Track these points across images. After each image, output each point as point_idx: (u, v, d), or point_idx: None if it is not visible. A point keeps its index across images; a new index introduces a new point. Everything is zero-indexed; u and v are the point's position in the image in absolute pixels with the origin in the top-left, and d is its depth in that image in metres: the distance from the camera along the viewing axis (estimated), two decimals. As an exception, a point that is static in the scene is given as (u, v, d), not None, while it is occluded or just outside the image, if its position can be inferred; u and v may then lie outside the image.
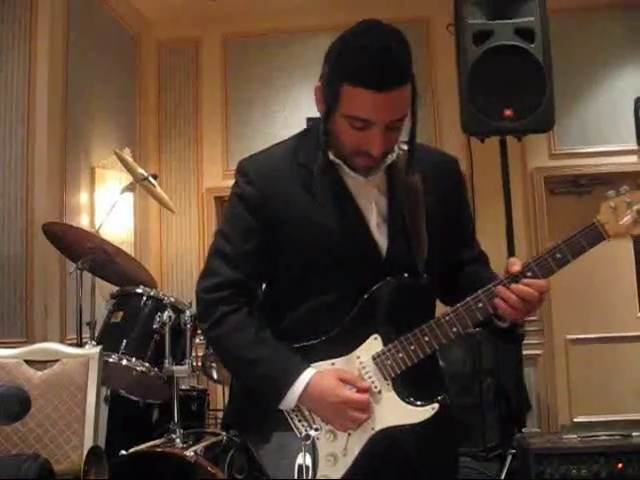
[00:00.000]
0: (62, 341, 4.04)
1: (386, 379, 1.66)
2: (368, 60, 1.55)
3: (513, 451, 3.79)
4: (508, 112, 3.83)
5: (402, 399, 1.65)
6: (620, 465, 3.30)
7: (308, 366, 1.67)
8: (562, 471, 3.34)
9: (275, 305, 1.78)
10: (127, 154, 4.33)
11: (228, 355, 1.77)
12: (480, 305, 1.63)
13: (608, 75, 5.56)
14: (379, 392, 1.66)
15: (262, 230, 1.71)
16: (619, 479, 3.30)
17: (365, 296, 1.67)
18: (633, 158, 5.49)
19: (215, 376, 3.60)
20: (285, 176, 1.72)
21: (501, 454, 4.07)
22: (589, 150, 5.50)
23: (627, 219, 1.58)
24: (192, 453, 2.90)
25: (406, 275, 1.68)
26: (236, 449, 3.12)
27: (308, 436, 1.58)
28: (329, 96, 1.63)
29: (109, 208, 4.33)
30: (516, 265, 1.62)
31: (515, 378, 4.40)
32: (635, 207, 1.58)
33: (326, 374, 1.65)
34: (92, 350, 2.79)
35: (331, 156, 1.69)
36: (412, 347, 1.64)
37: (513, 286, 1.60)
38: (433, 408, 1.63)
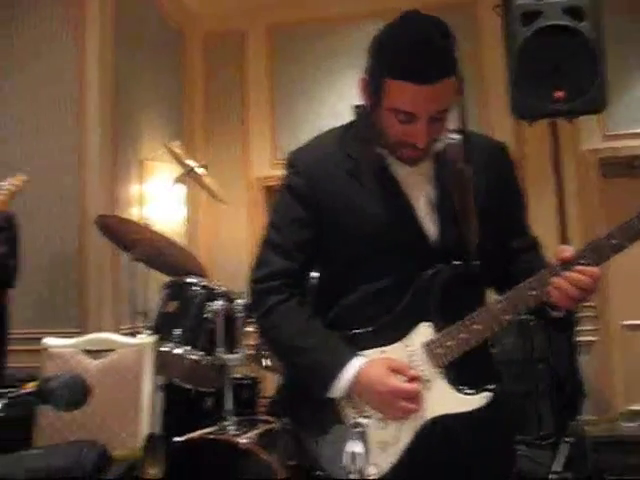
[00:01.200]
0: (116, 331, 4.10)
1: (437, 367, 1.65)
2: (409, 53, 1.56)
3: (569, 439, 3.74)
4: (559, 94, 3.75)
5: (453, 387, 1.64)
6: (680, 452, 3.23)
7: (357, 354, 1.67)
8: (621, 459, 3.28)
9: (325, 293, 1.79)
10: (176, 146, 4.38)
11: (278, 344, 1.79)
12: (533, 293, 1.60)
13: (662, 53, 5.42)
14: (430, 380, 1.65)
15: (311, 220, 1.74)
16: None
17: (416, 284, 1.67)
18: (691, 139, 5.34)
19: (266, 364, 3.61)
20: (333, 166, 1.74)
21: (555, 442, 4.02)
22: (643, 130, 5.37)
23: None
24: (245, 440, 2.92)
25: (457, 262, 1.67)
26: (288, 436, 3.13)
27: (359, 424, 1.58)
28: (373, 90, 1.64)
29: (159, 200, 4.38)
30: (566, 252, 1.60)
31: (569, 365, 4.32)
32: None
33: (375, 363, 1.65)
34: (146, 339, 2.83)
35: (377, 146, 1.71)
36: (463, 335, 1.63)
37: (566, 273, 1.57)
38: (485, 397, 1.61)
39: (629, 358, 5.41)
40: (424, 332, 1.66)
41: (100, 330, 3.84)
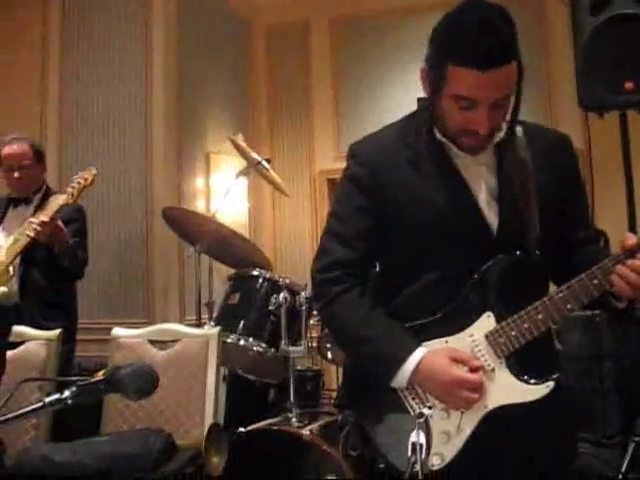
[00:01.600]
0: (181, 322, 4.19)
1: (499, 357, 1.65)
2: (471, 39, 1.56)
3: (637, 439, 3.65)
4: (629, 85, 3.65)
5: (516, 377, 1.64)
6: None
7: (419, 345, 1.68)
8: (691, 460, 3.19)
9: (387, 284, 1.81)
10: (240, 139, 4.42)
11: (341, 334, 1.81)
12: (595, 282, 1.60)
13: None
14: (492, 370, 1.65)
15: (373, 210, 1.76)
16: None
17: (477, 274, 1.67)
18: None
19: (330, 356, 3.64)
20: (394, 157, 1.75)
21: (622, 441, 3.93)
22: None
23: None
24: (308, 432, 2.94)
25: (518, 252, 1.67)
26: (351, 426, 3.14)
27: (422, 414, 1.57)
28: (434, 77, 1.64)
29: (224, 192, 4.44)
30: (631, 239, 1.58)
31: (638, 362, 4.22)
32: None
33: (438, 353, 1.66)
34: (211, 330, 2.87)
35: (438, 135, 1.72)
36: (525, 325, 1.63)
37: (630, 262, 1.56)
38: (548, 386, 1.61)
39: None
40: (486, 322, 1.67)
41: (166, 321, 3.94)
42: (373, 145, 1.82)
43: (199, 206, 5.04)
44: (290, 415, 3.14)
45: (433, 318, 1.71)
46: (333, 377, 4.75)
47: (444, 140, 1.72)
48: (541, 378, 1.63)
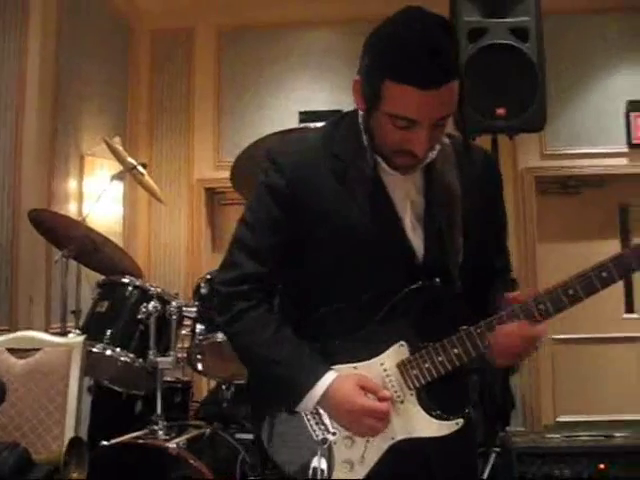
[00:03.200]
0: (46, 330, 4.00)
1: (410, 389, 1.59)
2: (413, 56, 1.43)
3: (497, 449, 3.80)
4: (500, 110, 3.83)
5: (426, 411, 1.59)
6: (602, 466, 3.30)
7: (329, 369, 1.60)
8: (545, 471, 3.34)
9: (298, 303, 1.70)
10: (117, 143, 4.30)
11: (246, 352, 1.69)
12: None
13: (600, 77, 5.57)
14: (402, 402, 1.59)
15: (289, 223, 1.63)
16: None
17: (394, 300, 1.60)
18: (623, 160, 5.51)
19: (200, 368, 3.58)
20: (318, 167, 1.62)
21: (485, 452, 4.08)
22: (580, 151, 5.51)
23: None
24: (174, 445, 2.88)
25: (438, 281, 1.60)
26: (249, 449, 3.11)
27: (325, 440, 1.55)
28: (369, 92, 1.51)
29: (98, 197, 4.30)
30: (517, 298, 1.56)
31: (500, 377, 4.40)
32: None
33: (347, 380, 1.58)
34: (75, 339, 2.77)
35: (370, 153, 1.60)
36: (440, 358, 1.57)
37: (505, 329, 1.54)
38: (457, 423, 1.58)
39: (558, 371, 5.53)
40: (399, 351, 1.60)
41: (30, 328, 3.75)
42: (295, 151, 1.68)
43: (71, 210, 4.86)
44: (157, 428, 3.07)
45: (344, 341, 1.62)
46: (203, 389, 4.68)
47: (375, 156, 1.59)
48: (451, 412, 1.59)
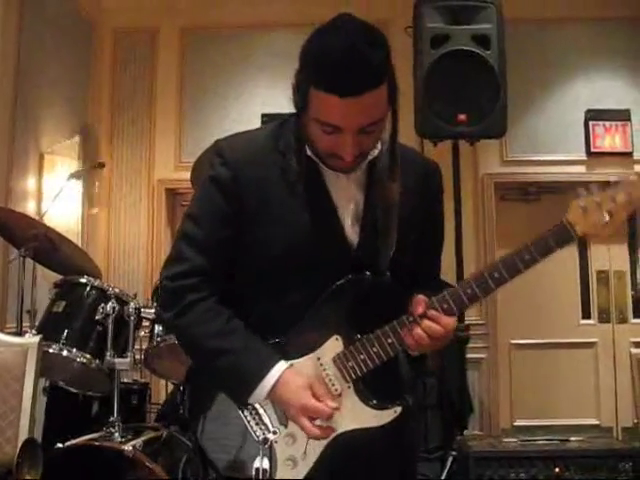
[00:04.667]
0: (1, 330, 3.94)
1: (347, 381, 1.60)
2: (333, 63, 1.45)
3: (454, 453, 3.82)
4: (462, 117, 3.87)
5: (363, 402, 1.60)
6: (557, 469, 3.35)
7: (280, 359, 1.60)
8: (501, 474, 3.37)
9: (240, 298, 1.69)
10: (77, 142, 4.26)
11: (195, 345, 1.66)
12: (390, 341, 1.59)
13: (561, 86, 5.66)
14: (340, 395, 1.60)
15: (234, 217, 1.63)
16: (556, 483, 3.35)
17: (326, 294, 1.61)
18: (581, 168, 5.60)
19: (157, 370, 3.55)
20: (264, 163, 1.63)
21: (442, 456, 4.10)
22: (539, 158, 5.60)
23: (597, 220, 1.54)
24: (130, 448, 2.86)
25: (368, 273, 1.61)
26: (191, 451, 3.09)
27: (266, 440, 1.55)
28: (299, 98, 1.55)
29: (57, 195, 4.25)
30: (420, 306, 1.58)
31: (459, 381, 4.44)
32: (605, 207, 1.53)
33: (297, 373, 1.59)
34: (31, 339, 2.72)
35: (309, 152, 1.62)
36: (374, 349, 1.59)
37: (423, 323, 1.57)
38: (395, 411, 1.59)
39: (515, 376, 5.60)
40: (334, 345, 1.61)
41: (-16, 328, 3.69)
42: (242, 145, 1.68)
43: (29, 208, 4.78)
44: (113, 430, 3.04)
45: (281, 338, 1.63)
46: (161, 391, 4.64)
47: (314, 158, 1.62)
48: (389, 402, 1.60)
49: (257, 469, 1.45)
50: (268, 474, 1.48)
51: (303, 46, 1.54)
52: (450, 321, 1.57)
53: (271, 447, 1.57)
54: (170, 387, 4.15)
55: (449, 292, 1.58)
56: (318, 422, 1.56)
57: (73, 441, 2.97)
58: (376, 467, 1.68)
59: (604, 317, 5.69)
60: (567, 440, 3.53)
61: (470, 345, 4.40)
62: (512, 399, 5.57)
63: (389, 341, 1.59)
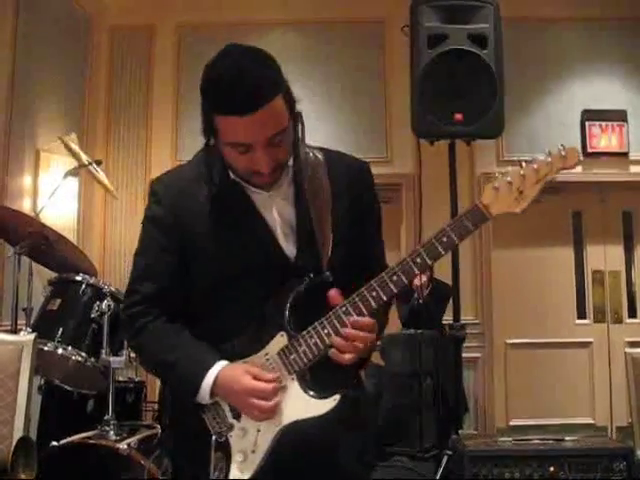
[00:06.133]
0: (-3, 327, 3.94)
1: (290, 373, 1.67)
2: (225, 88, 1.58)
3: (449, 452, 3.82)
4: (458, 116, 3.86)
5: (305, 392, 1.66)
6: (552, 469, 3.35)
7: (219, 359, 1.70)
8: (496, 473, 3.37)
9: (192, 314, 1.80)
10: (73, 139, 4.25)
11: (148, 362, 1.84)
12: (374, 294, 1.64)
13: (557, 86, 5.67)
14: (285, 387, 1.67)
15: (175, 248, 1.76)
16: (551, 482, 3.35)
17: (271, 298, 1.70)
18: (577, 168, 5.55)
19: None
20: (193, 194, 1.76)
21: (437, 455, 4.10)
22: (536, 158, 5.59)
23: (508, 198, 1.63)
24: (125, 446, 2.86)
25: (309, 274, 1.70)
26: (162, 449, 3.09)
27: (221, 434, 1.66)
28: (207, 127, 1.67)
29: (53, 193, 4.24)
30: (335, 299, 1.64)
31: (454, 380, 4.44)
32: (515, 186, 1.63)
33: (236, 366, 1.68)
34: (26, 337, 2.73)
35: (232, 176, 1.74)
36: (313, 340, 1.65)
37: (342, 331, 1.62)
38: (335, 399, 1.63)
39: (510, 375, 5.61)
40: (280, 341, 1.69)
41: (-21, 326, 3.68)
42: (172, 182, 1.81)
43: (25, 205, 4.77)
44: (108, 428, 3.04)
45: (231, 343, 1.72)
46: (156, 389, 4.63)
47: (238, 180, 1.74)
48: (329, 392, 1.65)
49: (214, 462, 1.58)
50: (223, 466, 1.59)
51: (201, 79, 1.66)
52: (368, 321, 1.63)
53: (227, 441, 1.66)
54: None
55: (376, 280, 1.64)
56: (256, 400, 1.64)
57: (68, 439, 2.96)
58: (327, 457, 1.72)
59: (599, 317, 5.71)
60: (562, 439, 3.53)
61: (465, 345, 4.39)
62: (507, 399, 5.58)
63: (325, 331, 1.65)
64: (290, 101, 1.65)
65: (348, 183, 1.80)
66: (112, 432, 3.02)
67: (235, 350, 1.72)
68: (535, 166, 1.63)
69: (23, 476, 2.39)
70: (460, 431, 4.27)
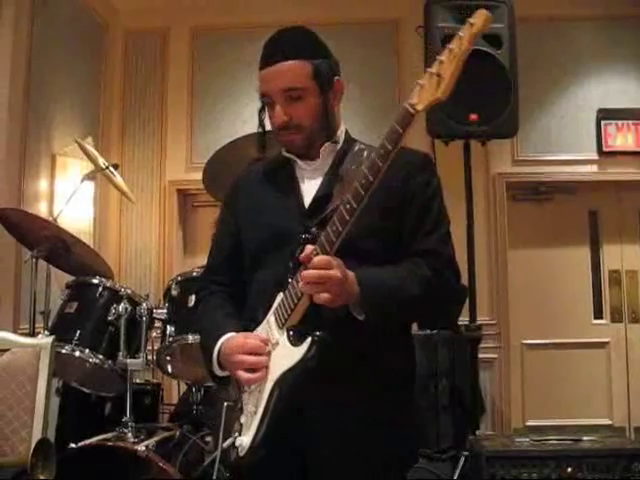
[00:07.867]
0: (15, 330, 3.96)
1: (280, 328, 1.72)
2: (265, 46, 1.83)
3: (466, 453, 3.82)
4: (473, 116, 3.86)
5: (290, 344, 1.68)
6: (570, 469, 3.34)
7: (230, 331, 1.79)
8: (513, 474, 3.36)
9: (245, 286, 1.92)
10: (89, 143, 4.27)
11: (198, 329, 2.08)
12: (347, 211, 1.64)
13: (572, 85, 5.63)
14: (277, 343, 1.71)
15: (234, 229, 1.95)
16: (568, 483, 3.34)
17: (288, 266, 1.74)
18: (593, 167, 5.57)
19: (170, 370, 3.55)
20: (253, 173, 1.99)
21: (454, 456, 4.09)
22: (551, 158, 5.57)
23: (430, 87, 1.59)
24: (143, 448, 2.87)
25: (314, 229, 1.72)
26: (190, 445, 3.11)
27: (237, 402, 1.76)
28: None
29: (69, 197, 4.26)
30: (305, 257, 1.63)
31: (470, 381, 4.43)
32: (434, 71, 1.58)
33: (234, 337, 1.77)
34: (44, 340, 2.73)
35: (284, 152, 1.90)
36: (293, 291, 1.68)
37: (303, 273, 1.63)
38: (307, 342, 1.63)
39: (527, 376, 5.58)
40: (278, 301, 1.75)
41: (-1, 329, 3.70)
42: (249, 170, 2.04)
43: (41, 209, 4.80)
44: (126, 430, 3.06)
45: (262, 315, 1.79)
46: (173, 391, 4.65)
47: (289, 155, 1.88)
48: (304, 338, 1.66)
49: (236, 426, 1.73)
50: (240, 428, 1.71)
51: None
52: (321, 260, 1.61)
53: (242, 405, 1.76)
54: (183, 387, 4.16)
55: (336, 216, 1.63)
56: (247, 357, 1.72)
57: (86, 441, 2.98)
58: (318, 424, 1.74)
59: (616, 317, 5.67)
60: (579, 440, 3.52)
61: (482, 345, 4.39)
62: (524, 399, 5.55)
63: (296, 279, 1.68)
64: (321, 76, 1.79)
65: (394, 173, 1.71)
66: (130, 434, 3.04)
67: (261, 321, 1.79)
68: (450, 46, 1.57)
69: (42, 477, 2.40)
70: (477, 431, 4.27)
